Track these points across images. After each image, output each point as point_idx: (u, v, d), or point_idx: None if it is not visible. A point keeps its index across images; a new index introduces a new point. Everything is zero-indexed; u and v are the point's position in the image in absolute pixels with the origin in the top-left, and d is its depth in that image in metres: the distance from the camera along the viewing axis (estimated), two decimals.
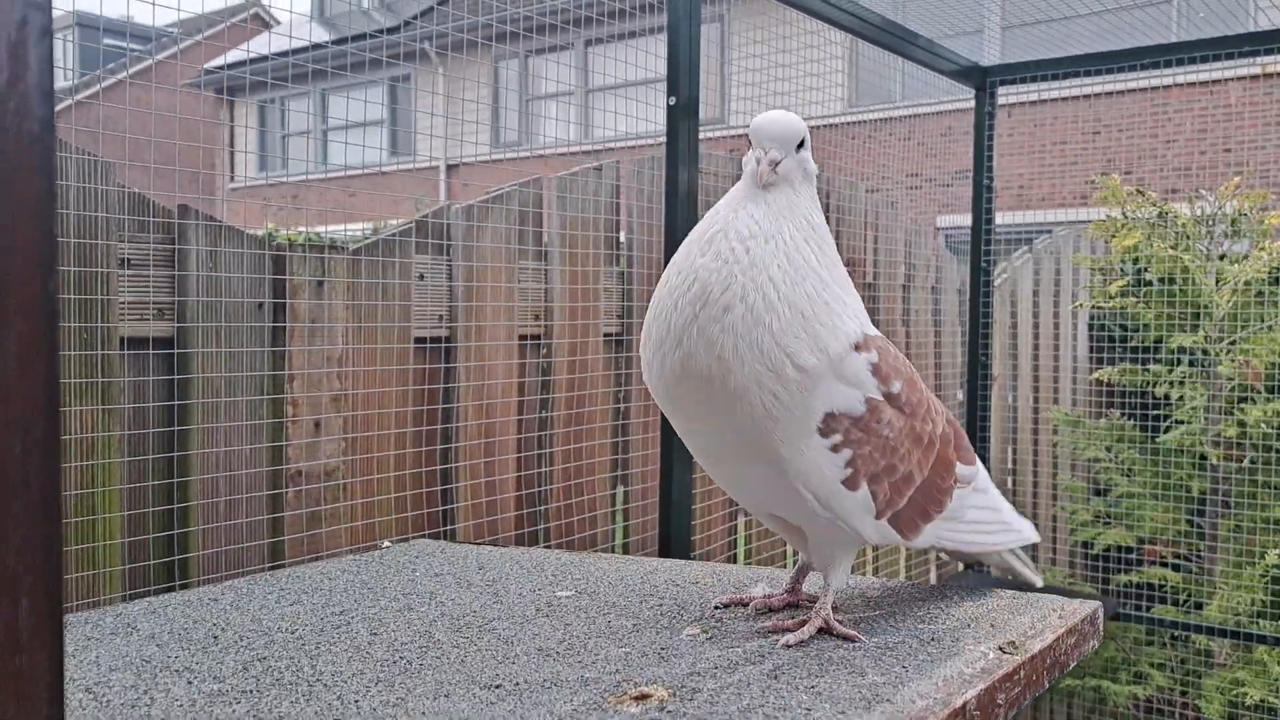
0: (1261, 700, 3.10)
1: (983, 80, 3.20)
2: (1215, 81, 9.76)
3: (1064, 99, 10.47)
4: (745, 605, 0.96)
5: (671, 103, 2.03)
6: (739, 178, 2.68)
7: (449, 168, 15.23)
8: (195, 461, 1.48)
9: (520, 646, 0.84)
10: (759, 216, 0.89)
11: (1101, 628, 0.92)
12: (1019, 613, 0.89)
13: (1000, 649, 0.80)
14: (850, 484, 0.85)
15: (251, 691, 0.75)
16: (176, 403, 1.45)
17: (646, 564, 1.15)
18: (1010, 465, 4.11)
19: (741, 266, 0.85)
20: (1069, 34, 3.45)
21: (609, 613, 0.94)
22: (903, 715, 0.66)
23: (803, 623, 0.87)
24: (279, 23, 19.12)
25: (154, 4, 1.47)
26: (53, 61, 0.39)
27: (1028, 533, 1.07)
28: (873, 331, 0.91)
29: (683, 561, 1.13)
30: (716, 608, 0.95)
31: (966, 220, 3.39)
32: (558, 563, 1.17)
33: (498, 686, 0.75)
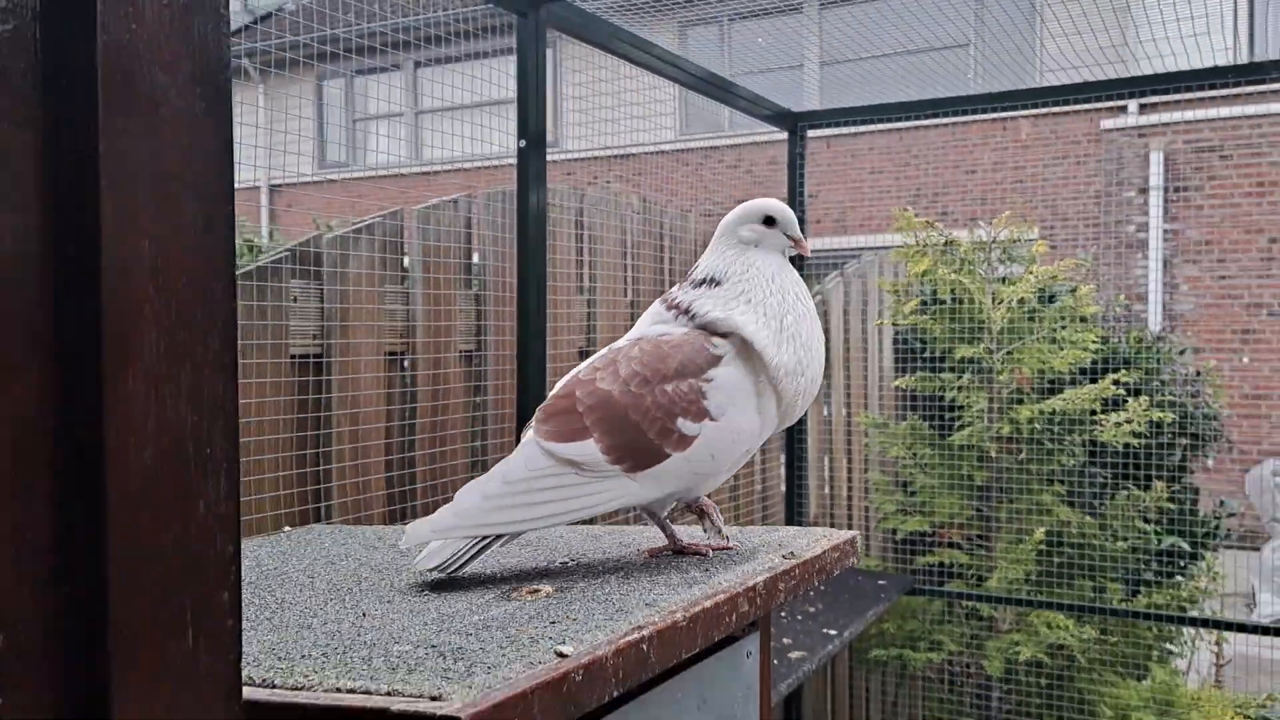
0: (1031, 656, 3.61)
1: (794, 124, 3.62)
2: (1008, 119, 10.73)
3: (878, 132, 11.26)
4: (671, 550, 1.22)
5: (522, 145, 2.32)
6: (582, 210, 2.94)
7: (272, 188, 14.96)
8: None
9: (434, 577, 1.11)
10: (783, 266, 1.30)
11: (858, 549, 1.26)
12: (800, 538, 1.22)
13: (783, 557, 1.12)
14: None
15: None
16: None
17: None
18: (828, 466, 4.57)
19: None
20: (881, 71, 3.90)
21: (497, 554, 1.22)
22: (711, 590, 0.97)
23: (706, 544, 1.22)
24: None
25: None
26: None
27: None
28: None
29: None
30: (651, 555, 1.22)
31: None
32: None
33: (425, 594, 1.02)
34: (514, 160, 2.39)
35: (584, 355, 2.96)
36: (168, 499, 0.55)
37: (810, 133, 3.68)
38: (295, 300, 2.20)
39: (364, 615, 0.93)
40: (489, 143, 3.13)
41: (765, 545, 1.18)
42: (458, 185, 2.41)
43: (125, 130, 0.52)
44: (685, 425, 1.14)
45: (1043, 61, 3.94)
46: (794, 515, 3.78)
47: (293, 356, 2.17)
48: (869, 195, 11.57)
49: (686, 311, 1.23)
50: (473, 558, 1.09)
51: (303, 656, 0.80)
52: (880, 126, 8.97)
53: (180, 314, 0.54)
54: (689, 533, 1.26)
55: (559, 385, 1.24)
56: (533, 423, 1.18)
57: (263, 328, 2.09)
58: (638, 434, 1.12)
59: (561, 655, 0.77)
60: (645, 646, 0.82)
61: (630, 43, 2.66)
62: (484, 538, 1.09)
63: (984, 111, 3.61)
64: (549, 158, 2.41)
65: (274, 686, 0.74)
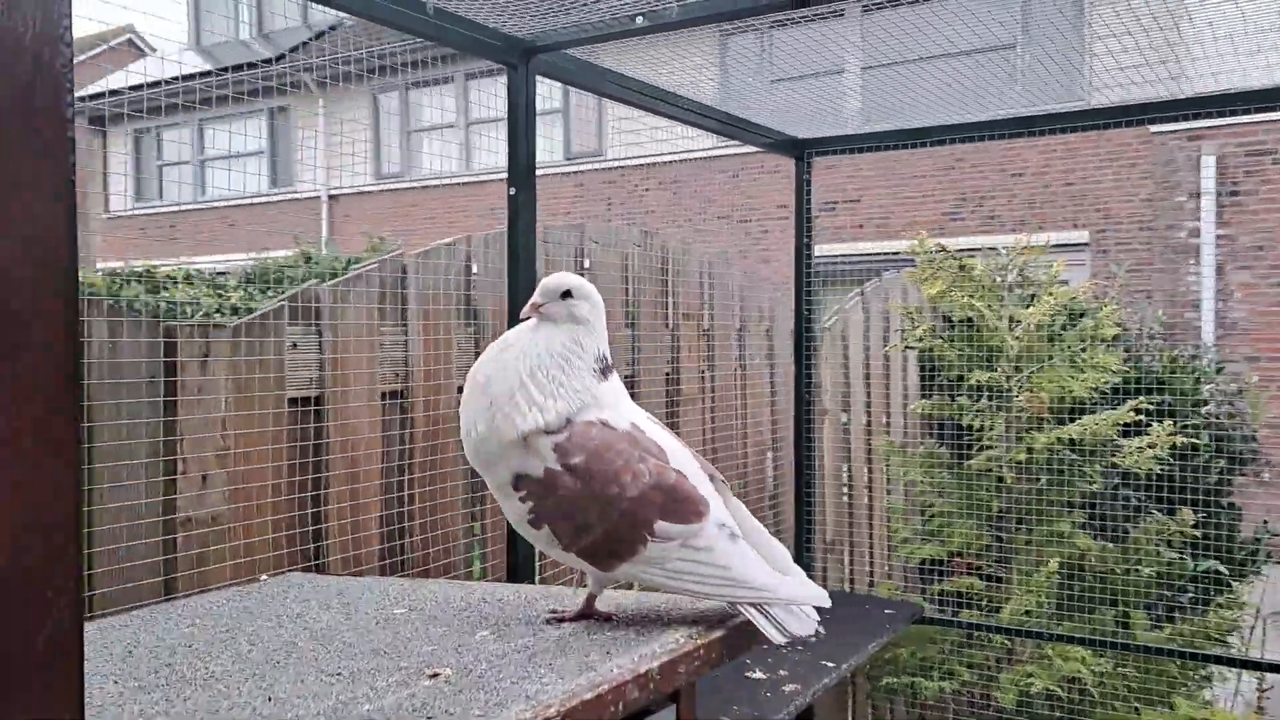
0: (1044, 688, 3.59)
1: (800, 151, 3.65)
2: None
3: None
4: (560, 618, 1.30)
5: (512, 193, 2.39)
6: (580, 250, 3.02)
7: (330, 197, 15.29)
8: (98, 515, 1.76)
9: (359, 648, 1.18)
10: (522, 335, 1.31)
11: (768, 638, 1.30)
12: (716, 613, 1.27)
13: (689, 636, 1.17)
14: (534, 524, 1.26)
15: (163, 685, 1.07)
16: (87, 466, 1.74)
17: (469, 587, 1.49)
18: (847, 490, 4.57)
19: (484, 360, 1.33)
20: (921, 77, 3.81)
21: (429, 623, 1.29)
22: (602, 678, 1.02)
23: (573, 612, 1.30)
24: (154, 50, 18.85)
25: None
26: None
27: (782, 594, 1.23)
28: (588, 417, 1.26)
29: (496, 584, 1.48)
30: (546, 621, 1.30)
31: (828, 250, 3.79)
32: (399, 589, 1.51)
33: (339, 674, 1.08)
34: (554, 169, 2.45)
35: None
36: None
37: (817, 159, 3.69)
38: (294, 346, 2.28)
39: (270, 700, 1.00)
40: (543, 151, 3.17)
41: (679, 620, 1.23)
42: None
43: None
44: None
45: (1091, 77, 3.82)
46: (803, 533, 3.80)
47: (290, 401, 2.26)
48: (913, 199, 11.48)
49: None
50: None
51: None
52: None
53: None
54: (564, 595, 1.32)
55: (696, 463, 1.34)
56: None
57: (262, 374, 2.17)
58: None
59: None
60: None
61: (621, 84, 2.71)
62: None
63: (1013, 137, 3.57)
64: (593, 168, 2.46)
65: None
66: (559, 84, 2.80)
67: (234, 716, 0.96)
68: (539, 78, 2.46)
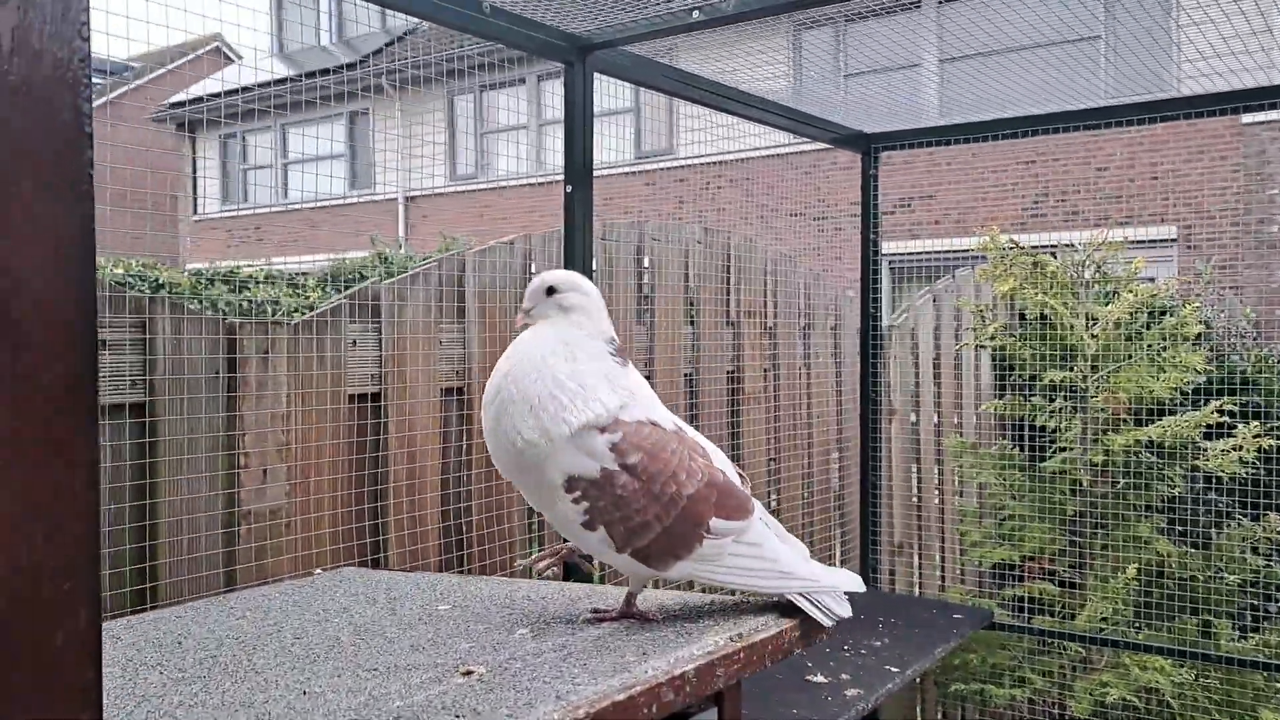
0: (1121, 698, 3.48)
1: (867, 146, 3.59)
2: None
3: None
4: (601, 615, 1.30)
5: (568, 190, 2.39)
6: (641, 248, 3.01)
7: (408, 199, 15.55)
8: (164, 507, 1.81)
9: (399, 644, 1.19)
10: (524, 339, 1.31)
11: (824, 632, 1.27)
12: (759, 614, 1.24)
13: (730, 639, 1.15)
14: (588, 526, 1.22)
15: (204, 677, 1.09)
16: (148, 460, 1.78)
17: (514, 584, 1.50)
18: (916, 490, 4.48)
19: (500, 374, 1.29)
20: (1005, 64, 3.70)
21: (470, 620, 1.29)
22: (635, 679, 1.01)
23: (615, 611, 1.29)
24: (240, 58, 19.36)
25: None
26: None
27: (825, 581, 1.28)
28: (636, 416, 1.25)
29: (541, 582, 1.48)
30: (586, 620, 1.30)
31: (904, 247, 3.70)
32: (447, 585, 1.51)
33: (375, 670, 1.09)
34: (623, 168, 2.45)
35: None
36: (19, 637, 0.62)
37: (885, 153, 3.62)
38: (354, 344, 2.31)
39: (305, 694, 1.01)
40: (605, 149, 3.18)
41: (720, 622, 1.22)
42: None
43: None
44: None
45: (1178, 66, 3.67)
46: (869, 534, 3.74)
47: (350, 397, 2.29)
48: (991, 195, 11.21)
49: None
50: None
51: None
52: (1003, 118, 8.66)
53: None
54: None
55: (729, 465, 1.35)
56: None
57: (321, 371, 2.21)
58: None
59: None
60: None
61: (680, 79, 2.70)
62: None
63: (1090, 129, 3.46)
64: (662, 166, 2.45)
65: None
66: (624, 82, 2.79)
67: (268, 709, 0.97)
68: (598, 75, 2.46)
